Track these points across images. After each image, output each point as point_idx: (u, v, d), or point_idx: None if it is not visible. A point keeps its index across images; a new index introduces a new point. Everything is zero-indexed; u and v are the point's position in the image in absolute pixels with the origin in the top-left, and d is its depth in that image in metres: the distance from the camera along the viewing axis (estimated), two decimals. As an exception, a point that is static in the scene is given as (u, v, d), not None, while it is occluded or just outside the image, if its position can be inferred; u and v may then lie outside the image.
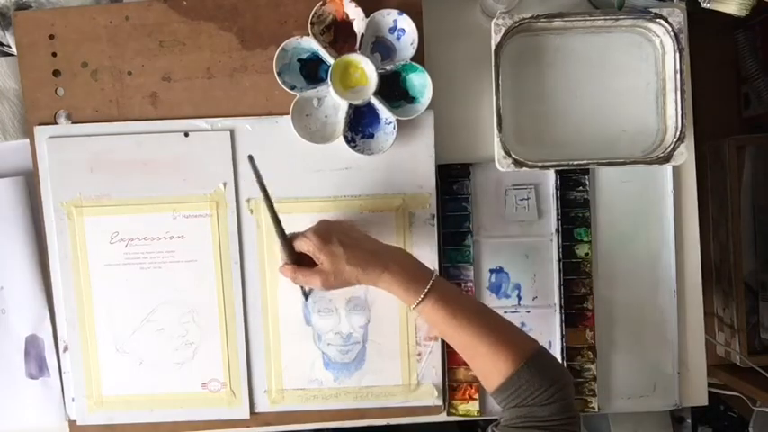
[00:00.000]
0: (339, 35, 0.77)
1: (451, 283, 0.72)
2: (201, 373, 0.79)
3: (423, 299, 0.66)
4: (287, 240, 0.71)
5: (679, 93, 0.76)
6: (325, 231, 0.70)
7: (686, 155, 0.76)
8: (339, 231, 0.70)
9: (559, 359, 0.80)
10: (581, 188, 0.81)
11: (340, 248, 0.68)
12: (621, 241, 0.81)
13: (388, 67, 0.75)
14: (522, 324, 0.81)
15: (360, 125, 0.77)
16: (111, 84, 0.78)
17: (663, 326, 0.81)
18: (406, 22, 0.75)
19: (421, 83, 0.76)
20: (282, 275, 0.72)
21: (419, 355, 0.79)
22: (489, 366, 0.64)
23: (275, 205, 0.70)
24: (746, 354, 1.02)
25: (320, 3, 0.74)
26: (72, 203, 0.78)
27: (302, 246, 0.70)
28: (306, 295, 0.78)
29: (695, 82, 0.81)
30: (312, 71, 0.77)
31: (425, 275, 0.68)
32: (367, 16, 0.74)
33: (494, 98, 0.75)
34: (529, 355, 0.63)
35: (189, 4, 0.78)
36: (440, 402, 0.80)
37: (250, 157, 0.68)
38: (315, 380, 0.80)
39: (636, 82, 0.80)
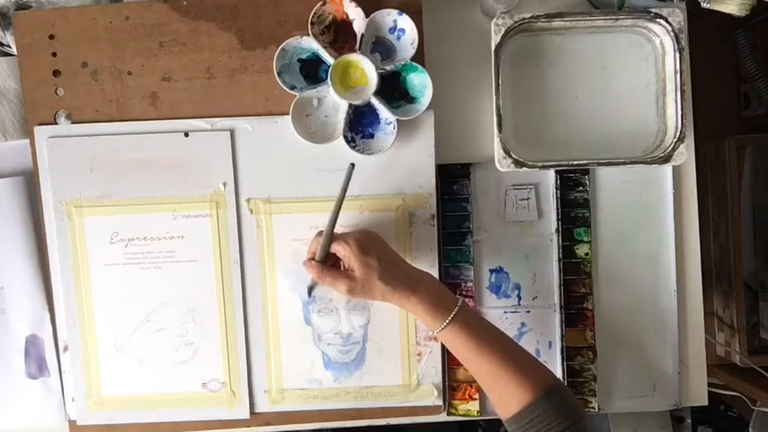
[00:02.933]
0: (339, 35, 0.77)
1: (476, 311, 0.71)
2: (201, 373, 0.79)
3: (447, 324, 0.67)
4: (331, 240, 0.71)
5: (679, 93, 0.76)
6: (365, 241, 0.70)
7: (686, 155, 0.76)
8: (378, 245, 0.71)
9: (559, 359, 0.80)
10: (581, 188, 0.81)
11: (376, 262, 0.68)
12: (621, 241, 0.81)
13: (388, 67, 0.75)
14: (522, 324, 0.81)
15: (360, 125, 0.77)
16: (111, 84, 0.78)
17: (663, 326, 0.81)
18: (406, 22, 0.75)
19: (421, 83, 0.76)
20: (307, 269, 0.72)
21: (419, 355, 0.79)
22: (508, 394, 0.65)
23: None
24: (746, 354, 1.02)
25: (320, 3, 0.74)
26: (72, 203, 0.78)
27: (339, 249, 0.70)
28: (310, 290, 0.77)
29: (695, 82, 0.81)
30: (312, 71, 0.77)
31: (451, 302, 0.68)
32: (367, 16, 0.74)
33: (494, 98, 0.75)
34: (548, 386, 0.64)
35: (189, 4, 0.78)
36: (440, 402, 0.80)
37: (351, 165, 0.70)
38: (315, 380, 0.80)
39: (636, 82, 0.80)
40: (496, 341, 0.67)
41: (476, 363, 0.67)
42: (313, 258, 0.72)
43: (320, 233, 0.72)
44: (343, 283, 0.69)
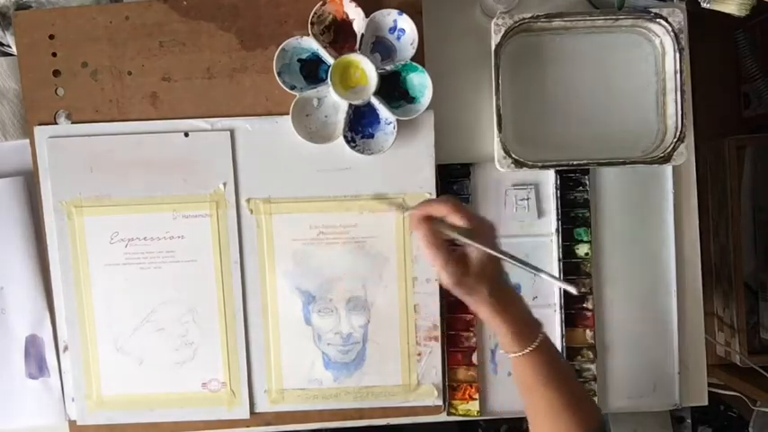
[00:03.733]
0: (339, 35, 0.77)
1: (552, 343, 0.68)
2: (201, 373, 0.79)
3: (527, 352, 0.64)
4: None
5: (679, 93, 0.76)
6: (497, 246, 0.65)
7: (686, 155, 0.76)
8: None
9: (559, 359, 0.80)
10: (581, 188, 0.81)
11: (500, 267, 0.65)
12: (622, 241, 0.81)
13: (388, 67, 0.75)
14: (522, 324, 0.81)
15: (360, 125, 0.77)
16: (111, 84, 0.78)
17: (663, 326, 0.81)
18: (406, 22, 0.75)
19: (421, 83, 0.76)
20: (413, 219, 0.66)
21: (419, 355, 0.79)
22: (559, 429, 0.64)
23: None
24: (746, 354, 1.02)
25: (320, 3, 0.74)
26: (72, 203, 0.78)
27: (482, 237, 0.63)
28: (406, 209, 0.69)
29: (695, 82, 0.81)
30: (312, 71, 0.77)
31: (535, 328, 0.66)
32: (367, 16, 0.74)
33: (494, 98, 0.75)
34: (597, 426, 0.64)
35: (189, 4, 0.78)
36: (440, 402, 0.80)
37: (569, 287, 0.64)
38: (315, 380, 0.80)
39: (636, 82, 0.80)
40: (565, 377, 0.66)
41: (538, 393, 0.65)
42: (430, 219, 0.65)
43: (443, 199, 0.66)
44: (456, 266, 0.63)
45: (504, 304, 0.65)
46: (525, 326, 0.65)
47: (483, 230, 0.64)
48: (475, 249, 0.63)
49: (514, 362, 0.66)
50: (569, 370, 0.68)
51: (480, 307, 0.65)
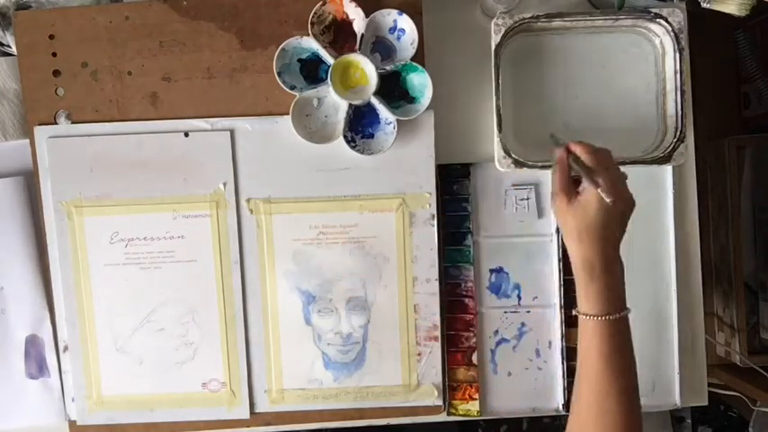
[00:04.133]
0: (339, 35, 0.77)
1: (630, 333, 0.67)
2: (201, 373, 0.79)
3: (611, 318, 0.63)
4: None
5: (679, 93, 0.76)
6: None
7: (686, 155, 0.76)
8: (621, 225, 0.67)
9: (559, 359, 0.80)
10: (581, 188, 0.80)
11: (617, 232, 0.65)
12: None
13: (388, 67, 0.75)
14: (522, 324, 0.81)
15: (360, 125, 0.77)
16: (111, 84, 0.78)
17: (663, 326, 0.81)
18: (406, 22, 0.75)
19: (421, 83, 0.76)
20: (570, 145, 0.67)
21: (419, 355, 0.79)
22: (603, 424, 0.62)
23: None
24: (746, 354, 1.02)
25: (320, 3, 0.74)
26: (72, 203, 0.78)
27: (603, 177, 0.63)
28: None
29: (695, 82, 0.81)
30: (312, 71, 0.77)
31: (623, 302, 0.65)
32: (367, 16, 0.74)
33: (494, 98, 0.75)
34: None
35: (189, 4, 0.78)
36: (440, 402, 0.80)
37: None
38: (315, 380, 0.80)
39: (636, 82, 0.80)
40: (628, 370, 0.64)
41: (597, 374, 0.63)
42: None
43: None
44: (569, 189, 0.65)
45: (606, 262, 0.64)
46: (616, 293, 0.64)
47: (602, 171, 0.65)
48: (586, 196, 0.64)
49: (587, 325, 0.64)
50: (634, 365, 0.65)
51: (580, 241, 0.64)
